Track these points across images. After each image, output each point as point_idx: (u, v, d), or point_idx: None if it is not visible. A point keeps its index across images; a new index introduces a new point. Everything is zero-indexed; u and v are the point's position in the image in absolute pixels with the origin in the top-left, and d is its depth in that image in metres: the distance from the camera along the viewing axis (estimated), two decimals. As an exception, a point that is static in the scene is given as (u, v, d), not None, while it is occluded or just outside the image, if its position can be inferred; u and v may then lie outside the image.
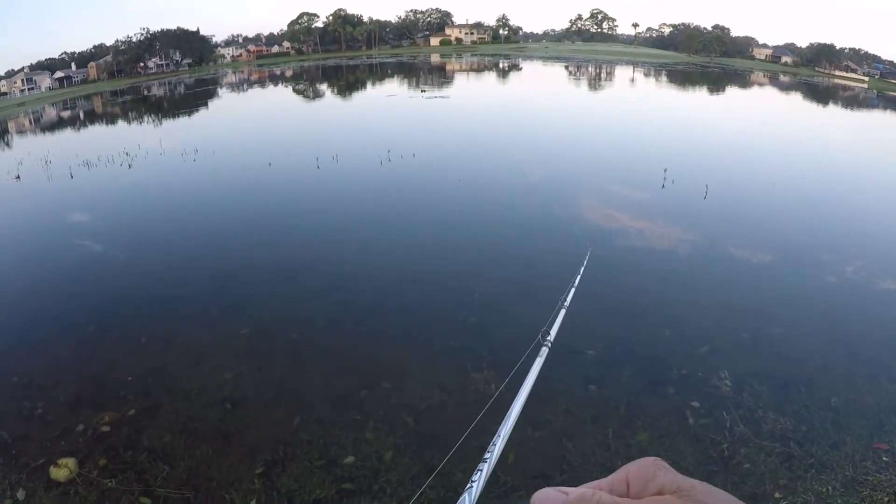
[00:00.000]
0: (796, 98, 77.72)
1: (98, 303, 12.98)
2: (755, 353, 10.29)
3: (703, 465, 7.50)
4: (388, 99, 55.72)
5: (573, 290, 4.24)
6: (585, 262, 5.43)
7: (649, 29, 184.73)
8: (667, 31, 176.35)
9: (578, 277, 4.64)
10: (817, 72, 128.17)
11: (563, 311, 3.71)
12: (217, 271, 14.41)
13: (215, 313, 12.11)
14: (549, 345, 3.15)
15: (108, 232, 18.09)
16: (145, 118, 55.63)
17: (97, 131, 50.99)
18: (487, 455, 1.98)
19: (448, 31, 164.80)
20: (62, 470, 7.40)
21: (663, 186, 21.18)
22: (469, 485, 1.80)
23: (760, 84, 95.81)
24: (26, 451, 7.93)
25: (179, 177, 25.73)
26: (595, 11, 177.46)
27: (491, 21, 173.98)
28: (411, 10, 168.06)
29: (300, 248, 15.89)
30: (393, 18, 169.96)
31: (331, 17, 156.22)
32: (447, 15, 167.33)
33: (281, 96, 72.12)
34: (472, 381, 9.22)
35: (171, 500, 7.08)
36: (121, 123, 54.28)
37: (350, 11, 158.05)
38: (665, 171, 22.21)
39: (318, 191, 22.12)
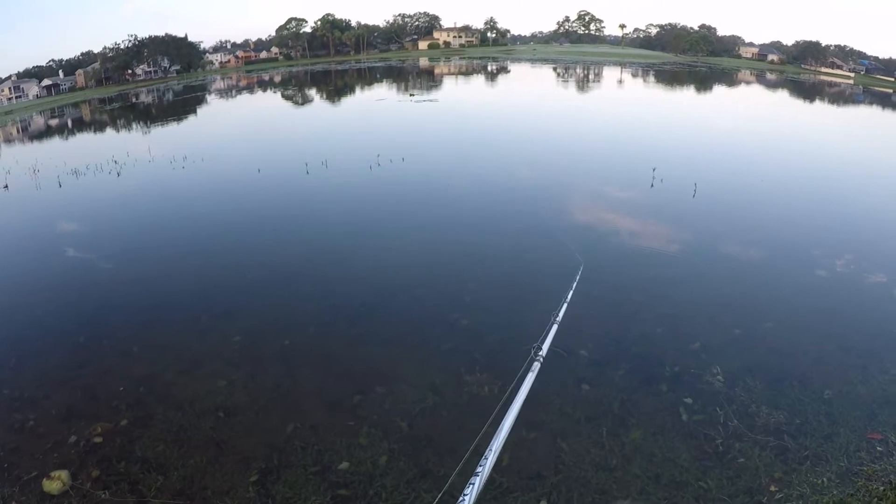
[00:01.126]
0: (783, 95, 78.10)
1: (89, 312, 12.90)
2: (748, 348, 10.34)
3: (697, 461, 7.52)
4: (376, 103, 55.62)
5: (566, 305, 4.31)
6: (578, 277, 5.48)
7: (636, 30, 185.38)
8: (654, 31, 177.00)
9: (571, 293, 4.69)
10: (803, 69, 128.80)
11: (555, 327, 3.75)
12: (207, 279, 14.36)
13: (207, 321, 12.05)
14: (542, 359, 3.17)
15: (97, 241, 17.98)
16: (134, 125, 55.33)
17: (85, 139, 50.72)
18: (479, 469, 2.00)
19: (436, 34, 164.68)
20: (55, 482, 7.34)
21: (652, 185, 21.23)
22: (462, 497, 1.81)
23: (747, 82, 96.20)
24: (18, 463, 7.87)
25: (168, 184, 25.61)
26: (582, 13, 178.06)
27: (479, 24, 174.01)
28: (399, 14, 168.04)
29: (290, 253, 15.83)
30: (381, 23, 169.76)
31: (319, 22, 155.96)
32: (435, 19, 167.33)
33: (269, 102, 71.99)
34: (466, 384, 9.20)
35: (165, 509, 7.04)
36: (109, 131, 53.95)
37: (338, 16, 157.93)
38: (654, 170, 22.26)
39: (308, 197, 22.05)
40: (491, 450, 2.04)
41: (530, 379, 2.75)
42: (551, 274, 12.54)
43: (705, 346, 10.35)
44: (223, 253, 16.15)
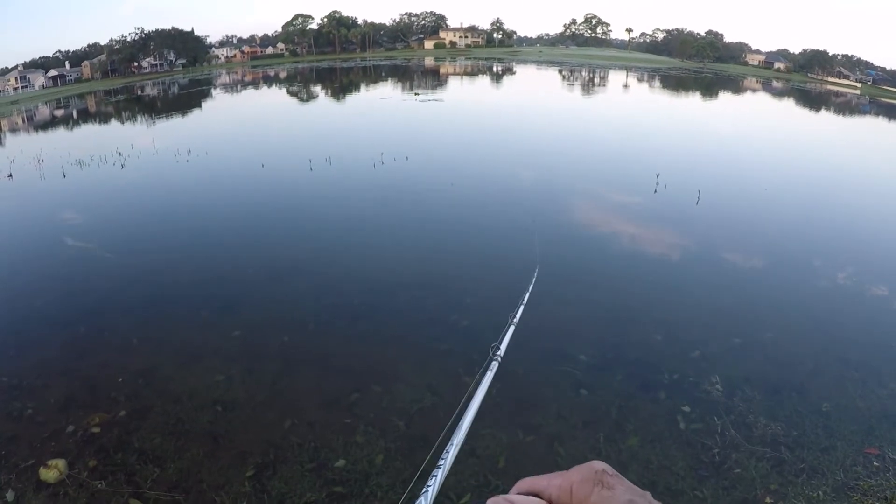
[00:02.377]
0: (789, 104, 78.14)
1: (89, 303, 12.88)
2: (747, 357, 10.32)
3: (693, 470, 7.51)
4: (381, 101, 55.70)
5: (522, 307, 4.37)
6: (534, 279, 5.50)
7: (643, 34, 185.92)
8: (660, 36, 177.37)
9: (527, 295, 4.73)
10: (810, 78, 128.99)
11: (512, 327, 3.81)
12: (209, 272, 14.37)
13: (207, 315, 12.06)
14: (500, 359, 3.24)
15: (100, 232, 17.98)
16: (138, 118, 55.42)
17: (90, 130, 50.77)
18: (441, 462, 2.09)
19: (442, 34, 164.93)
20: (52, 471, 7.35)
21: (655, 191, 21.24)
22: (425, 489, 1.89)
23: (753, 90, 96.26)
24: (16, 451, 7.87)
25: (172, 177, 25.63)
26: (589, 16, 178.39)
27: (485, 25, 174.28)
28: (406, 13, 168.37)
29: (292, 250, 15.84)
30: (387, 21, 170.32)
31: (325, 19, 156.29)
32: (442, 18, 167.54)
33: (274, 98, 71.99)
34: (464, 385, 9.20)
35: (161, 502, 7.03)
36: (114, 123, 54.09)
37: (345, 13, 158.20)
38: (658, 176, 22.28)
39: (311, 193, 22.06)
40: (452, 444, 2.09)
41: (489, 377, 2.83)
42: (552, 273, 12.52)
43: (704, 354, 10.34)
44: (225, 247, 16.17)
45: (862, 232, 18.53)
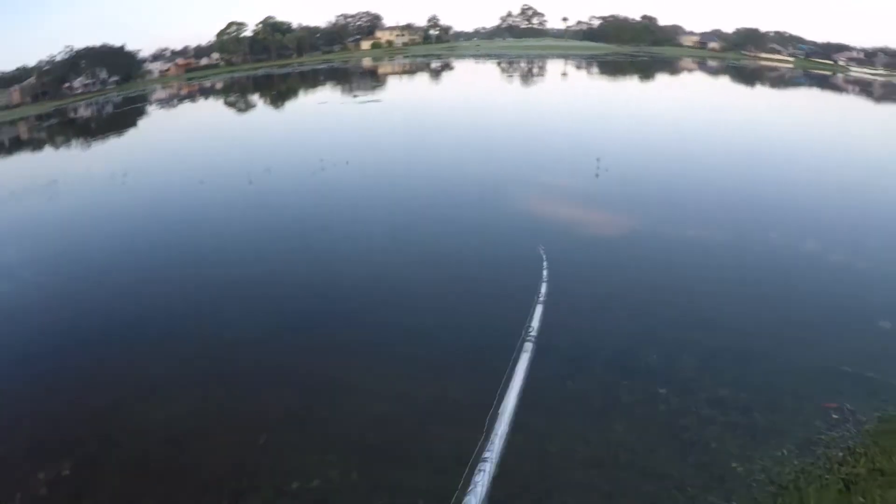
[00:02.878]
0: (725, 81, 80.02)
1: (37, 344, 12.26)
2: (713, 332, 10.61)
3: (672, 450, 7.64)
4: (319, 106, 54.95)
5: (545, 284, 4.38)
6: (544, 257, 5.57)
7: (579, 22, 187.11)
8: (596, 23, 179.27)
9: (545, 272, 4.75)
10: (744, 55, 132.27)
11: (540, 306, 3.79)
12: (158, 296, 13.80)
13: (162, 340, 11.64)
14: (533, 339, 3.16)
15: (39, 264, 17.11)
16: (72, 142, 53.61)
17: (23, 159, 48.91)
18: (487, 454, 1.96)
19: (379, 34, 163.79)
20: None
21: (597, 175, 21.32)
22: (472, 485, 1.76)
23: (689, 70, 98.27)
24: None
25: (111, 201, 24.63)
26: (524, 7, 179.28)
27: (421, 22, 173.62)
28: (341, 15, 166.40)
29: (241, 265, 15.33)
30: (323, 24, 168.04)
31: (260, 25, 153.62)
32: (377, 18, 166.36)
33: (211, 110, 70.43)
34: (440, 390, 9.10)
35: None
36: (47, 149, 52.22)
37: (279, 19, 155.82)
38: (598, 160, 22.39)
39: (253, 206, 21.17)
40: (496, 434, 2.03)
41: (525, 359, 2.76)
42: (523, 271, 12.39)
43: (675, 335, 10.55)
44: (172, 268, 15.54)
45: (812, 202, 19.03)
